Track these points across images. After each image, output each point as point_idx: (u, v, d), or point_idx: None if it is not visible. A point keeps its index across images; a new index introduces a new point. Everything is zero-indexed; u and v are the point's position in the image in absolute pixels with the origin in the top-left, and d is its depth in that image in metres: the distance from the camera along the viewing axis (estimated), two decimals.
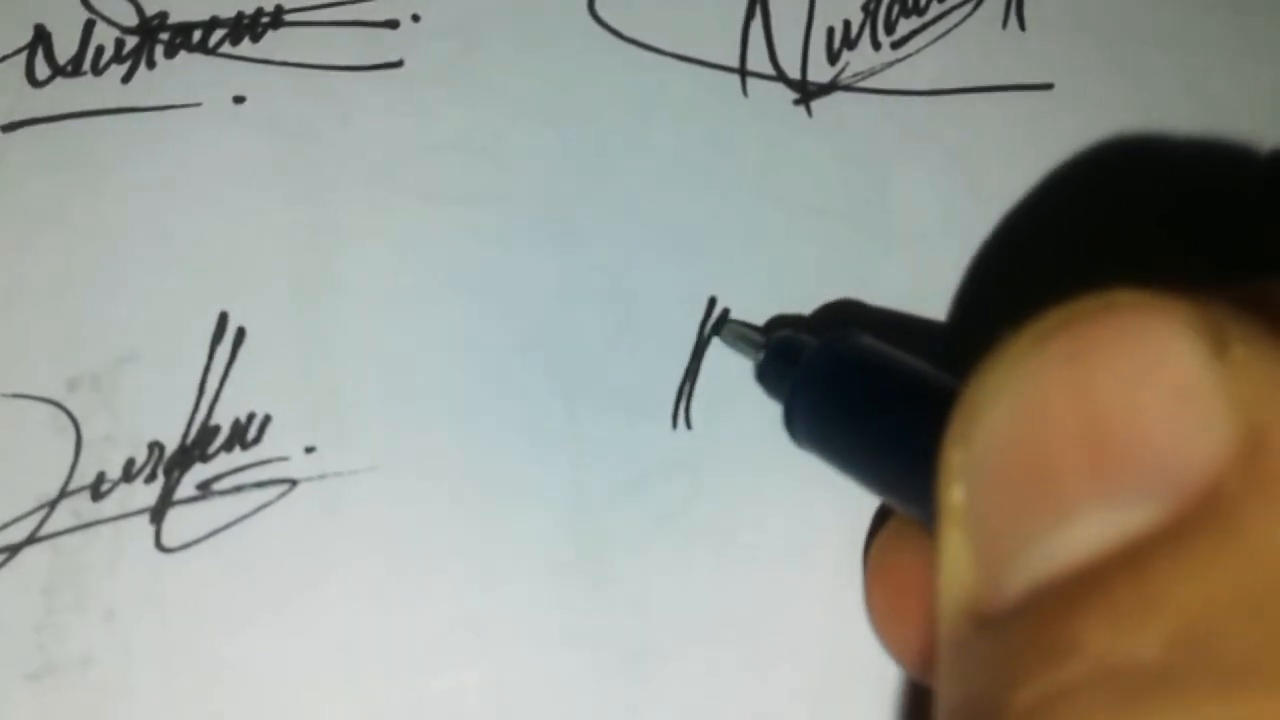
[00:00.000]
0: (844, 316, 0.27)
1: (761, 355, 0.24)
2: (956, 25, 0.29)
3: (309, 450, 0.25)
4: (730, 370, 0.26)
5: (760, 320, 0.27)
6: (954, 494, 0.14)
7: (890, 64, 0.28)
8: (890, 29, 0.29)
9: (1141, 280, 0.13)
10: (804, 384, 0.22)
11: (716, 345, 0.27)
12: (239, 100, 0.26)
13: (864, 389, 0.21)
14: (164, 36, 0.26)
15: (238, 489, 0.25)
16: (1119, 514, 0.13)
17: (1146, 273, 0.14)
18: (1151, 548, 0.13)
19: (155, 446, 0.25)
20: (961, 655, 0.14)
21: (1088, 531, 0.13)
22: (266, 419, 0.25)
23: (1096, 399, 0.13)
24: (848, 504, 0.26)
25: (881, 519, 0.26)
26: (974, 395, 0.14)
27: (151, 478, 0.25)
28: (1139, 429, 0.13)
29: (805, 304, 0.27)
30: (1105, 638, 0.12)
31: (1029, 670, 0.13)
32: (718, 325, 0.27)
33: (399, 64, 0.27)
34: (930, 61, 0.28)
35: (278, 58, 0.27)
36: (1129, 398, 0.13)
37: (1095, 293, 0.14)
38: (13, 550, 0.24)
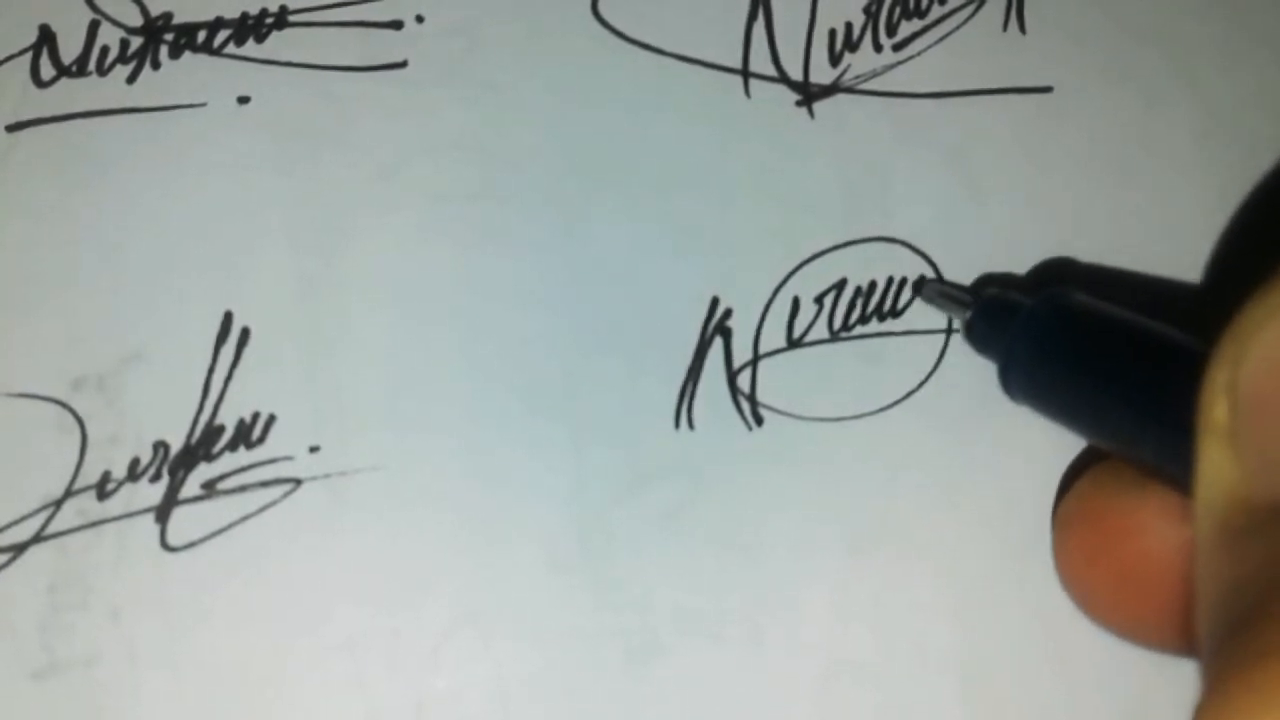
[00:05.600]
0: (1052, 275, 0.28)
1: (970, 313, 0.25)
2: (958, 28, 0.29)
3: (313, 450, 0.25)
4: (734, 370, 0.27)
5: (760, 327, 0.27)
6: (1218, 411, 0.15)
7: (892, 66, 0.28)
8: (892, 31, 0.29)
9: None
10: (1023, 337, 0.23)
11: (718, 345, 0.27)
12: (243, 101, 0.26)
13: (1087, 339, 0.21)
14: (168, 37, 0.26)
15: (242, 488, 0.25)
16: None
17: None
18: None
19: (160, 446, 0.25)
20: (1236, 543, 0.15)
21: None
22: (271, 418, 0.25)
23: None
24: (849, 503, 0.26)
25: (1069, 481, 0.26)
26: (1249, 316, 0.15)
27: (156, 477, 0.25)
28: None
29: (807, 303, 0.27)
30: None
31: None
32: (918, 285, 0.27)
33: (403, 64, 0.27)
34: (931, 64, 0.29)
35: (282, 58, 0.27)
36: None
37: None
38: (18, 549, 0.24)
